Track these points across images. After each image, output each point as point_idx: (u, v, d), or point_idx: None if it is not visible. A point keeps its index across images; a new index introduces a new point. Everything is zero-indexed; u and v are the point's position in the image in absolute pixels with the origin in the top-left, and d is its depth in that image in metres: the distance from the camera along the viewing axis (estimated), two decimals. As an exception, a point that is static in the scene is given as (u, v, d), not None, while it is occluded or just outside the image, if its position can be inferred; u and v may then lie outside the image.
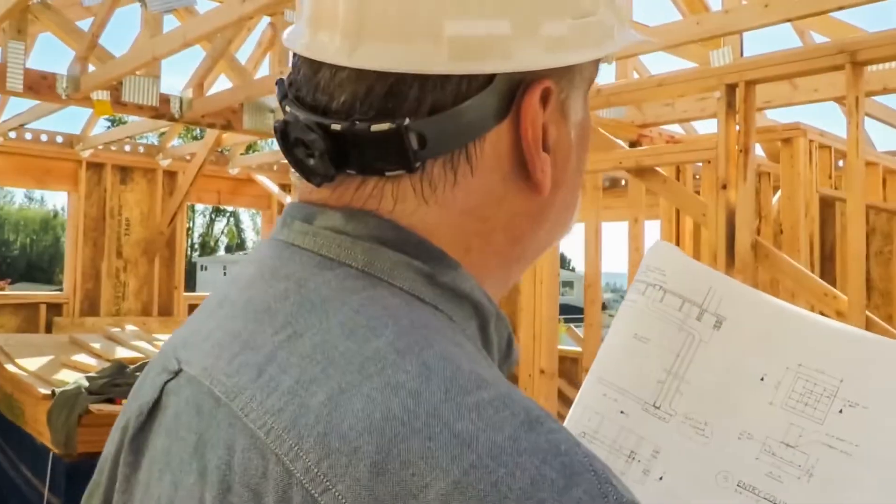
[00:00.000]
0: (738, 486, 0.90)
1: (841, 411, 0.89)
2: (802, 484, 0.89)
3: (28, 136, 6.01)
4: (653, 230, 4.36)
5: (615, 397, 0.96)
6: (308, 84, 0.52)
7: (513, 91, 0.51)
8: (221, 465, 0.43)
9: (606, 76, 3.92)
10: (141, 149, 6.57)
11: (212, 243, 49.51)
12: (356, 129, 0.48)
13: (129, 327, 5.64)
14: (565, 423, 0.97)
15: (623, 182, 5.30)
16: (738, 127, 2.75)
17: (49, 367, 4.05)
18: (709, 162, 2.91)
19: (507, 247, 0.56)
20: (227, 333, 0.50)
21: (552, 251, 3.44)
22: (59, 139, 6.13)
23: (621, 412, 0.95)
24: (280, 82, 0.55)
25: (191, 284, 44.24)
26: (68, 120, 6.33)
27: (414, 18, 0.48)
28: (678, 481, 0.90)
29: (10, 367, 4.16)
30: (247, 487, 0.41)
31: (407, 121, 0.48)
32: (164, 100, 4.56)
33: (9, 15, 3.14)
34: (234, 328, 0.50)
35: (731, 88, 2.74)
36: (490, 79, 0.50)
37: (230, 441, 0.44)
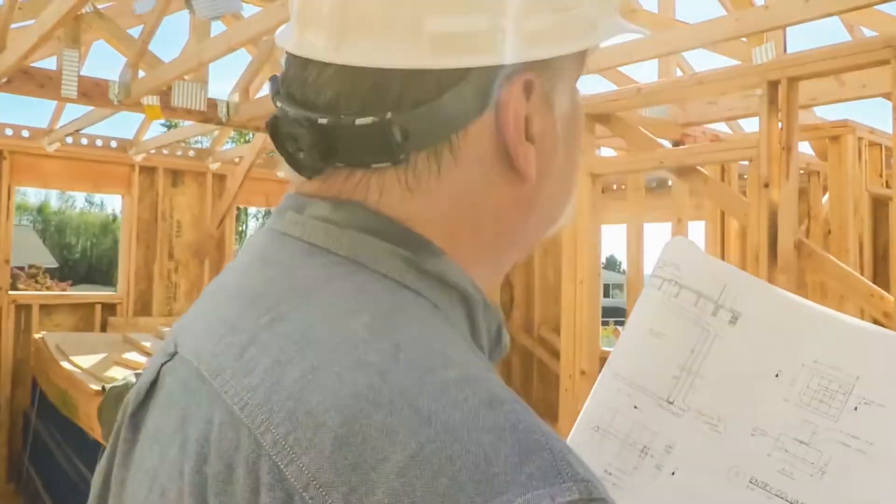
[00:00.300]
0: (750, 482, 0.90)
1: (856, 409, 0.88)
2: (815, 481, 0.88)
3: (84, 141, 6.20)
4: (698, 231, 4.30)
5: (629, 392, 0.96)
6: (297, 81, 0.54)
7: (498, 83, 0.53)
8: (200, 438, 0.46)
9: (648, 74, 3.88)
10: (191, 153, 6.73)
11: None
12: (342, 122, 0.50)
13: (180, 327, 5.78)
14: (580, 417, 0.97)
15: (670, 182, 5.23)
16: (780, 124, 2.70)
17: (102, 365, 4.19)
18: (751, 161, 2.86)
19: (496, 235, 0.58)
20: (218, 317, 0.52)
21: (592, 250, 3.42)
22: (114, 144, 6.32)
23: (635, 407, 0.95)
24: (273, 79, 0.57)
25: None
26: (122, 125, 6.51)
27: (395, 15, 0.50)
28: (690, 476, 0.90)
29: (65, 365, 4.30)
30: (221, 459, 0.44)
31: (389, 115, 0.50)
32: (212, 104, 4.67)
33: (62, 23, 3.26)
34: (226, 312, 0.52)
35: (773, 85, 2.69)
36: (468, 73, 0.51)
37: (209, 416, 0.46)
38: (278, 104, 0.55)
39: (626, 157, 3.80)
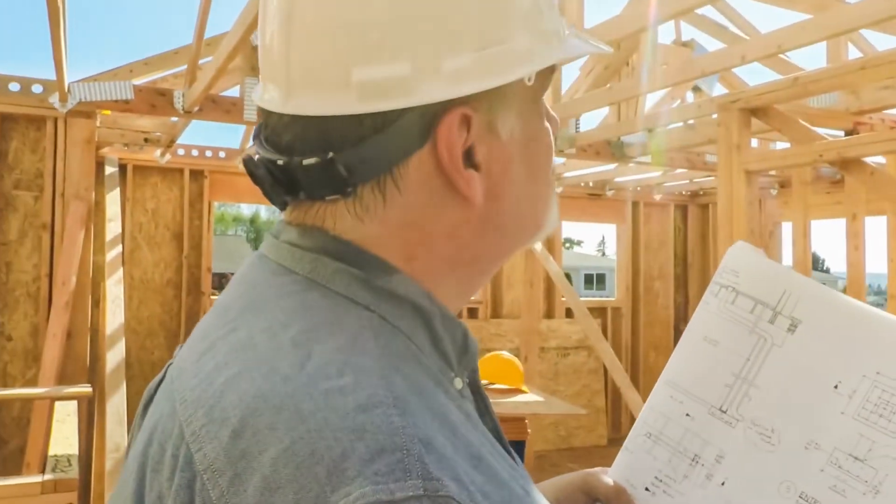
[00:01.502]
0: (799, 497, 0.87)
1: None
2: (867, 500, 0.83)
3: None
4: (879, 227, 3.92)
5: (681, 399, 0.95)
6: (266, 127, 0.62)
7: (430, 120, 0.57)
8: (151, 426, 0.55)
9: (815, 61, 3.61)
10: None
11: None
12: (293, 163, 0.57)
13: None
14: (635, 423, 0.97)
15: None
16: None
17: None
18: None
19: (454, 252, 0.62)
20: (201, 326, 0.62)
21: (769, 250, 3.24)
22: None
23: (687, 415, 0.94)
24: (256, 127, 0.66)
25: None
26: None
27: (327, 69, 0.56)
28: (740, 488, 0.89)
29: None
30: (159, 444, 0.53)
31: (331, 154, 0.56)
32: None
33: (236, 54, 3.60)
34: (205, 322, 0.62)
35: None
36: (401, 113, 0.56)
37: (163, 409, 0.55)
38: (254, 147, 0.63)
39: (782, 152, 3.56)
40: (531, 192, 0.65)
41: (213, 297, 6.60)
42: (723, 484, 0.89)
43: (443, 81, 0.56)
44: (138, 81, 4.80)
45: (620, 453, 0.97)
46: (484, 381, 3.83)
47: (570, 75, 6.22)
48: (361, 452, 0.44)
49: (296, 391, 0.48)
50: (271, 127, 0.60)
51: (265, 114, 0.62)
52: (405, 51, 0.55)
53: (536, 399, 3.66)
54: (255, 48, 4.41)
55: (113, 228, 5.54)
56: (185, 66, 4.75)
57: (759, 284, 0.95)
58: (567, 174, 7.22)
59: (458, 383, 0.62)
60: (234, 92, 5.09)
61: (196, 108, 4.62)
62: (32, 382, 4.61)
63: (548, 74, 0.65)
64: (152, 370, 6.31)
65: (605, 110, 5.38)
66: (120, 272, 5.28)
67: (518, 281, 7.31)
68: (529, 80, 0.61)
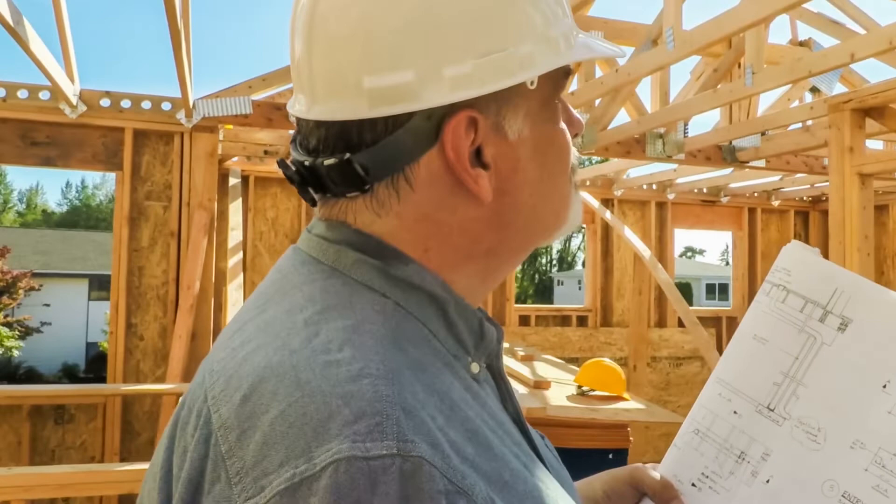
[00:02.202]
0: (842, 496, 0.86)
1: None
2: None
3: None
4: None
5: (729, 397, 0.96)
6: (299, 133, 0.69)
7: (437, 123, 0.61)
8: (186, 395, 0.63)
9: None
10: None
11: (569, 259, 51.28)
12: (318, 163, 0.64)
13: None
14: (686, 419, 0.98)
15: None
16: None
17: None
18: None
19: (467, 245, 0.66)
20: (239, 310, 0.70)
21: (863, 255, 3.08)
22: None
23: (734, 412, 0.94)
24: (293, 132, 0.73)
25: (548, 298, 46.32)
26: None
27: (342, 79, 0.62)
28: (784, 486, 0.89)
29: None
30: (188, 406, 0.60)
31: (348, 155, 0.62)
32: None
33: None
34: (243, 306, 0.69)
35: None
36: (409, 117, 0.61)
37: (196, 378, 0.63)
38: (290, 150, 0.70)
39: (898, 151, 3.36)
40: (545, 189, 0.69)
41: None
42: (768, 481, 0.89)
43: (445, 87, 0.60)
44: (257, 97, 5.08)
45: (670, 449, 0.98)
46: (584, 388, 3.82)
47: (681, 78, 6.08)
48: (345, 415, 0.49)
49: (299, 363, 0.54)
50: (302, 132, 0.67)
51: (297, 121, 0.68)
52: (409, 60, 0.60)
53: (637, 407, 3.61)
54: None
55: (235, 236, 5.88)
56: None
57: (810, 283, 0.94)
58: (679, 180, 7.05)
59: (475, 367, 0.66)
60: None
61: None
62: (161, 379, 4.95)
63: (560, 78, 0.69)
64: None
65: (716, 116, 5.24)
66: (240, 277, 5.61)
67: (628, 289, 7.19)
68: (532, 83, 0.64)
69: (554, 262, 54.22)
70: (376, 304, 0.61)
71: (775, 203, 7.72)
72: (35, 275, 21.81)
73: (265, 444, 0.50)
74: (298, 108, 0.67)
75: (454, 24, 0.61)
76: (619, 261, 7.56)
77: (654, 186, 7.56)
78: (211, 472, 0.52)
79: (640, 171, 7.38)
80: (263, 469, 0.49)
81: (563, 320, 7.62)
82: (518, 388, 3.71)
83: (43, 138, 4.93)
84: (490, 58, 0.61)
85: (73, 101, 4.70)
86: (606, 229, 7.57)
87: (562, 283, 43.63)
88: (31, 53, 3.61)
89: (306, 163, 0.65)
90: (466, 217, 0.65)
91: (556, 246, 54.86)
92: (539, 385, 3.89)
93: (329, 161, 0.63)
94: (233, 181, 6.23)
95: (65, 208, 57.40)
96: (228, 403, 0.54)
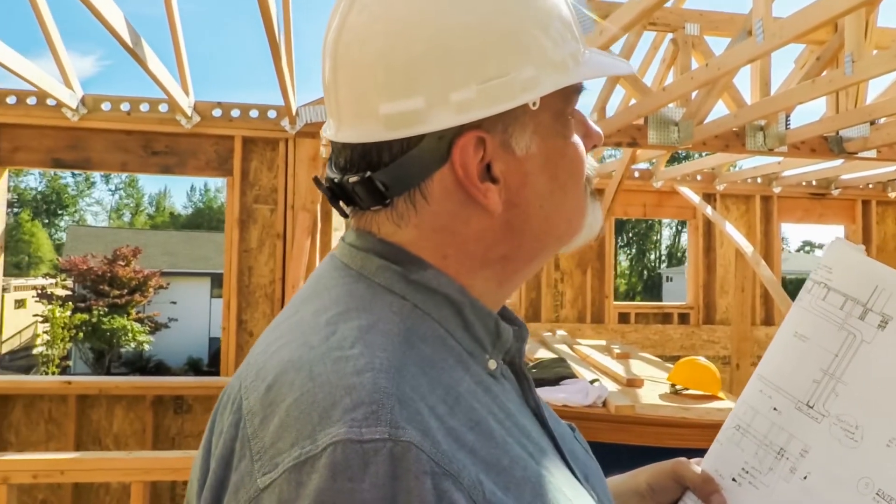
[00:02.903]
0: (877, 493, 0.88)
1: None
2: None
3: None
4: None
5: (770, 394, 0.97)
6: (333, 154, 0.76)
7: (447, 143, 0.67)
8: (228, 385, 0.71)
9: None
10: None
11: (678, 255, 49.79)
12: (344, 180, 0.71)
13: (560, 332, 6.24)
14: (728, 415, 1.01)
15: None
16: None
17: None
18: None
19: (482, 252, 0.72)
20: (280, 313, 0.77)
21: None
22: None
23: (774, 409, 0.96)
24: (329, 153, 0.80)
25: (657, 294, 45.08)
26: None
27: (363, 106, 0.69)
28: (820, 483, 0.90)
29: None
30: (227, 395, 0.68)
31: (369, 173, 0.69)
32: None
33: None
34: (284, 308, 0.77)
35: None
36: (420, 139, 0.67)
37: (237, 372, 0.71)
38: (326, 169, 0.78)
39: None
40: (557, 200, 0.73)
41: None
42: (805, 478, 0.90)
43: (451, 111, 0.66)
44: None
45: (713, 444, 1.00)
46: (678, 387, 3.76)
47: (783, 68, 5.86)
48: (346, 404, 0.55)
49: (314, 357, 0.61)
50: (334, 153, 0.75)
51: (331, 143, 0.76)
52: (419, 88, 0.66)
53: (731, 407, 3.53)
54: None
55: (338, 237, 6.12)
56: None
57: (851, 280, 0.94)
58: (785, 173, 6.78)
59: (492, 364, 0.71)
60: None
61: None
62: (269, 373, 5.19)
63: (570, 95, 0.73)
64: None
65: (823, 106, 5.02)
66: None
67: (731, 286, 6.97)
68: (535, 104, 0.69)
69: (663, 257, 52.73)
70: (394, 305, 0.67)
71: (892, 195, 7.28)
72: (163, 274, 23.16)
73: (281, 427, 0.57)
74: (329, 132, 0.74)
75: (459, 55, 0.66)
76: (722, 257, 7.34)
77: (759, 180, 7.29)
78: (239, 450, 0.59)
79: (744, 165, 7.15)
80: (278, 449, 0.56)
81: (665, 318, 7.48)
82: (609, 386, 3.70)
83: (162, 148, 5.30)
84: (493, 83, 0.66)
85: (188, 112, 5.03)
86: (708, 225, 7.37)
87: (671, 280, 42.37)
88: (149, 71, 3.91)
89: (336, 180, 0.72)
90: (480, 227, 0.71)
91: (665, 241, 53.30)
92: (632, 383, 3.87)
93: (354, 178, 0.70)
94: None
95: (190, 211, 60.81)
96: (255, 392, 0.62)
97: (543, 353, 4.87)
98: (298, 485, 0.53)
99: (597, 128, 0.79)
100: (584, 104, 6.40)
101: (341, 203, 0.74)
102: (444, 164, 0.68)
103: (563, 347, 5.18)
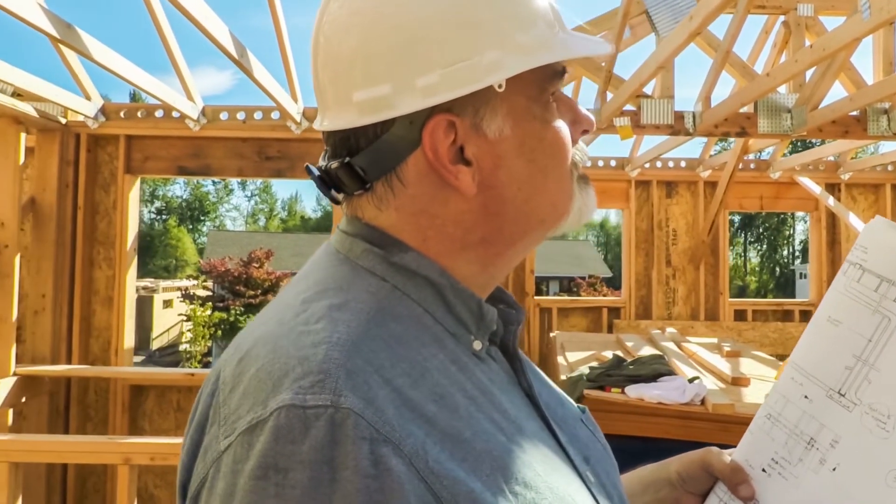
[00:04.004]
0: None
1: None
2: None
3: (588, 163, 6.96)
4: None
5: (801, 381, 0.94)
6: (324, 142, 0.80)
7: (418, 127, 0.70)
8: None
9: None
10: (683, 163, 6.97)
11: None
12: (330, 167, 0.75)
13: (669, 330, 6.06)
14: (762, 404, 0.98)
15: None
16: None
17: (583, 360, 4.73)
18: None
19: (461, 235, 0.74)
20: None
21: None
22: (613, 163, 6.96)
23: (805, 397, 0.93)
24: None
25: (790, 292, 42.76)
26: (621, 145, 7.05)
27: (340, 95, 0.73)
28: (849, 475, 0.87)
29: (559, 359, 4.98)
30: (212, 370, 0.71)
31: (348, 158, 0.72)
32: (679, 116, 4.88)
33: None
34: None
35: None
36: (392, 123, 0.70)
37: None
38: (320, 159, 0.81)
39: None
40: (537, 183, 0.74)
41: (535, 297, 6.99)
42: (834, 469, 0.87)
43: (417, 95, 0.69)
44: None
45: (745, 433, 0.98)
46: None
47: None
48: (297, 373, 0.59)
49: (281, 332, 0.64)
50: (324, 141, 0.79)
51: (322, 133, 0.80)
52: (387, 75, 0.69)
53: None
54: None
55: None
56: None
57: (887, 261, 0.90)
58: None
59: (477, 345, 0.73)
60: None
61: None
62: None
63: (547, 79, 0.74)
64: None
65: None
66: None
67: None
68: (500, 87, 0.70)
69: (796, 253, 49.93)
70: (372, 286, 0.70)
71: None
72: (293, 275, 24.09)
73: (242, 395, 0.61)
74: (317, 121, 0.78)
75: (422, 42, 0.69)
76: (848, 251, 6.88)
77: (889, 168, 6.79)
78: (211, 416, 0.64)
79: (873, 150, 6.67)
80: (238, 415, 0.60)
81: (785, 315, 7.11)
82: (710, 385, 3.58)
83: (274, 153, 5.57)
84: (455, 67, 0.69)
85: (298, 118, 5.25)
86: (832, 217, 6.93)
87: (804, 277, 40.12)
88: (256, 80, 4.12)
89: (323, 167, 0.76)
90: (458, 209, 0.72)
91: (799, 236, 50.39)
92: (737, 381, 3.72)
93: (334, 164, 0.74)
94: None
95: (319, 214, 63.29)
96: (230, 365, 0.66)
97: (648, 350, 4.76)
98: (249, 446, 0.57)
99: (587, 113, 0.79)
100: (685, 97, 6.00)
101: (333, 191, 0.77)
102: (418, 148, 0.71)
103: (671, 345, 5.04)
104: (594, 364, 3.97)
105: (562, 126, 0.75)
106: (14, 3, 2.96)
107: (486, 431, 0.65)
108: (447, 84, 0.69)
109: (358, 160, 0.72)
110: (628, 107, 4.84)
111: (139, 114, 5.45)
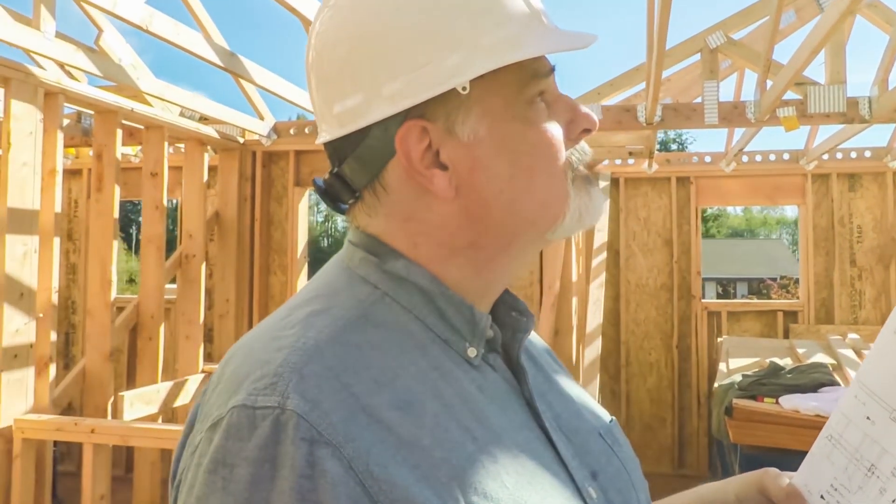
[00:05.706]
0: None
1: None
2: None
3: (758, 157, 6.56)
4: None
5: (864, 401, 0.87)
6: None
7: (392, 133, 0.71)
8: None
9: None
10: (867, 153, 6.37)
11: None
12: (326, 178, 0.79)
13: (851, 336, 5.56)
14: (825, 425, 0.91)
15: None
16: None
17: (746, 366, 4.46)
18: None
19: (448, 239, 0.74)
20: None
21: None
22: (786, 156, 6.49)
23: (867, 418, 0.86)
24: None
25: None
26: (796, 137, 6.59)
27: (325, 109, 0.75)
28: None
29: (721, 365, 4.73)
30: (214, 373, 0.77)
31: (335, 168, 0.75)
32: (853, 103, 4.48)
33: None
34: None
35: None
36: (367, 131, 0.72)
37: None
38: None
39: None
40: (522, 185, 0.73)
41: (703, 300, 6.68)
42: (894, 501, 0.80)
43: (385, 102, 0.70)
44: (607, 102, 5.24)
45: (807, 454, 0.91)
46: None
47: None
48: (255, 376, 0.62)
49: (260, 337, 0.68)
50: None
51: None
52: (358, 85, 0.72)
53: None
54: (714, 50, 4.46)
55: (600, 237, 6.10)
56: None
57: None
58: None
59: (472, 352, 0.73)
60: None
61: (657, 119, 4.84)
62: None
63: (526, 79, 0.73)
64: (650, 370, 6.64)
65: None
66: (602, 276, 5.79)
67: None
68: (464, 89, 0.70)
69: None
70: (362, 294, 0.72)
71: None
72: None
73: (218, 394, 0.66)
74: (318, 135, 0.83)
75: (388, 51, 0.70)
76: None
77: None
78: (198, 415, 0.70)
79: None
80: (209, 412, 0.65)
81: None
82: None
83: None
84: (418, 72, 0.69)
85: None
86: None
87: None
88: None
89: (325, 178, 0.80)
90: (441, 213, 0.73)
91: None
92: None
93: (327, 175, 0.77)
94: (601, 184, 6.45)
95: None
96: (219, 368, 0.71)
97: (821, 358, 4.41)
98: (209, 442, 0.62)
99: (587, 112, 0.77)
100: (859, 83, 5.41)
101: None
102: (394, 155, 0.72)
103: (849, 352, 4.63)
104: (748, 372, 3.73)
105: (549, 126, 0.74)
106: (184, 39, 3.30)
107: (452, 440, 0.64)
108: (411, 89, 0.70)
109: (344, 169, 0.75)
110: (793, 96, 4.51)
111: (306, 130, 5.84)
